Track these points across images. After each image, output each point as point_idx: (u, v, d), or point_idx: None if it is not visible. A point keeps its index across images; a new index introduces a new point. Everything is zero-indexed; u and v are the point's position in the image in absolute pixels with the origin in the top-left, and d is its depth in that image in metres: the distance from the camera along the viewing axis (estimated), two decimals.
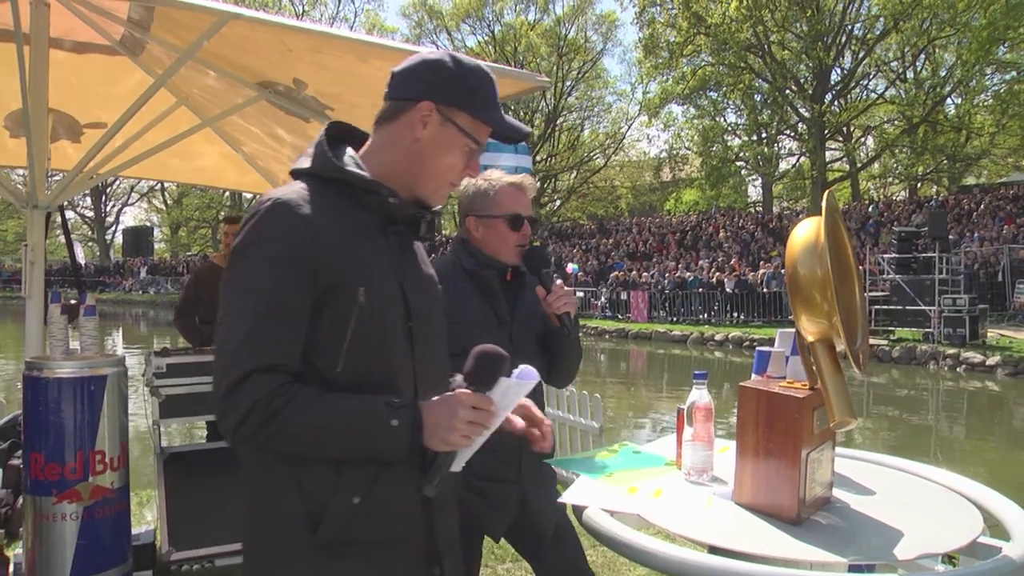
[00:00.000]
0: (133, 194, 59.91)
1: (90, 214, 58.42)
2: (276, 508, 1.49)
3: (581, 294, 26.73)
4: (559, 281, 2.44)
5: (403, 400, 1.47)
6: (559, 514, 2.53)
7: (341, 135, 1.69)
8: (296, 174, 1.61)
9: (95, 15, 3.80)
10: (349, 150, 1.64)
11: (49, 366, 3.51)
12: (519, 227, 2.49)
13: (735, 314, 24.17)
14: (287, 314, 1.45)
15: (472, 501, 2.47)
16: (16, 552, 3.98)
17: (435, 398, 1.49)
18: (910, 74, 36.88)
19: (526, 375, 1.51)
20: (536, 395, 2.60)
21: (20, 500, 4.51)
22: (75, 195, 5.20)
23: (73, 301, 3.98)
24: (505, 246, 2.49)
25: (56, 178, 4.46)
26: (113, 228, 61.37)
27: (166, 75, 3.68)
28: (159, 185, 56.68)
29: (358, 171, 1.57)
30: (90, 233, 59.76)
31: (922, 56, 35.77)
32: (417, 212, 1.62)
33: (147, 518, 5.37)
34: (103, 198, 57.52)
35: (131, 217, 64.22)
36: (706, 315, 24.91)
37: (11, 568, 3.92)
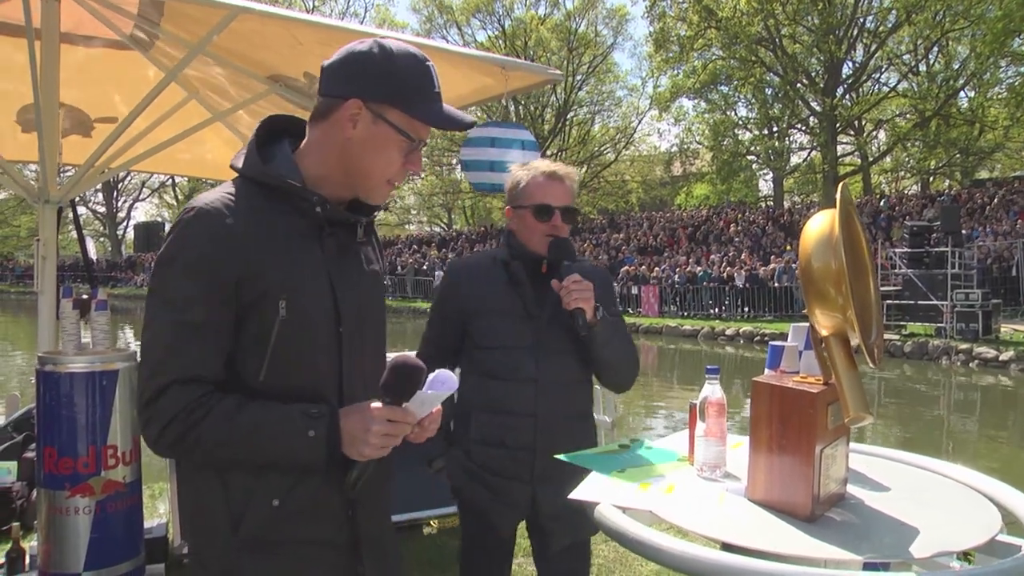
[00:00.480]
0: (144, 190, 60.17)
1: (102, 210, 58.76)
2: (204, 504, 1.54)
3: None
4: (574, 275, 2.36)
5: (321, 410, 1.48)
6: (579, 528, 2.48)
7: (284, 127, 1.64)
8: (234, 170, 1.58)
9: (105, 9, 3.80)
10: (285, 148, 1.60)
11: (61, 361, 3.52)
12: (546, 217, 2.44)
13: (745, 309, 24.09)
14: (208, 326, 1.46)
15: (481, 495, 2.48)
16: (32, 544, 4.01)
17: (352, 407, 1.50)
18: (923, 67, 36.69)
19: (440, 384, 1.49)
20: (583, 389, 2.59)
21: (35, 492, 4.55)
22: (86, 190, 5.21)
23: (84, 296, 3.99)
24: (534, 236, 2.46)
25: (68, 173, 4.48)
26: (124, 224, 61.67)
27: (176, 69, 3.69)
28: (170, 181, 56.94)
29: (287, 175, 1.54)
30: (101, 228, 60.09)
31: (935, 49, 35.56)
32: (349, 217, 1.60)
33: (159, 511, 5.40)
34: (114, 194, 57.80)
35: (142, 212, 64.57)
36: (717, 310, 24.85)
37: (27, 560, 3.95)
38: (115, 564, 3.56)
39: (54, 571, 3.51)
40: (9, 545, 4.01)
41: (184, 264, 1.46)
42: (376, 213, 1.70)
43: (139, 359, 1.49)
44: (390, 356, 1.54)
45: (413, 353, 1.64)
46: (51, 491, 3.50)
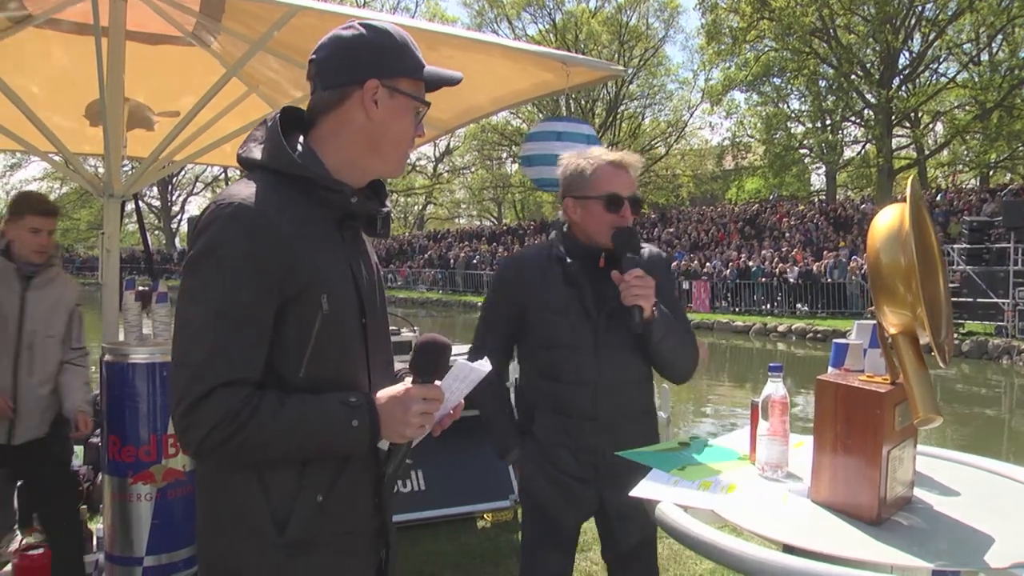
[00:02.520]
0: (198, 184, 61.28)
1: (156, 203, 59.91)
2: (240, 509, 1.51)
3: None
4: (637, 270, 2.28)
5: (359, 399, 1.50)
6: (646, 524, 2.45)
7: (291, 119, 1.63)
8: (247, 163, 1.58)
9: (168, 7, 3.88)
10: (303, 140, 1.60)
11: (125, 351, 3.61)
12: (616, 208, 2.36)
13: (798, 305, 23.70)
14: (251, 325, 1.43)
15: (547, 492, 2.46)
16: (98, 527, 4.13)
17: (386, 393, 1.52)
18: (985, 56, 35.52)
19: (471, 369, 1.54)
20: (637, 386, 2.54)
21: (100, 476, 4.69)
22: (148, 184, 5.33)
23: (142, 288, 4.09)
24: (602, 229, 2.37)
25: (126, 168, 4.58)
26: (178, 217, 62.87)
27: (237, 65, 3.75)
28: (223, 174, 57.87)
29: (318, 168, 1.55)
30: (156, 222, 61.29)
31: (999, 37, 34.34)
32: (374, 209, 1.63)
33: None
34: (169, 188, 58.90)
35: (195, 206, 65.61)
36: (769, 306, 24.50)
37: (94, 541, 4.07)
38: (175, 550, 3.65)
39: (118, 554, 3.61)
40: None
41: (224, 262, 1.43)
42: (388, 206, 1.72)
43: (174, 361, 1.45)
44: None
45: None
46: (115, 478, 3.60)
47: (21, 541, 4.19)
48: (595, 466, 2.41)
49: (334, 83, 1.57)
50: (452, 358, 1.57)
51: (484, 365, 1.55)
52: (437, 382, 1.52)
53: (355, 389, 1.54)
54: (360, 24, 1.60)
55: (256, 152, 1.56)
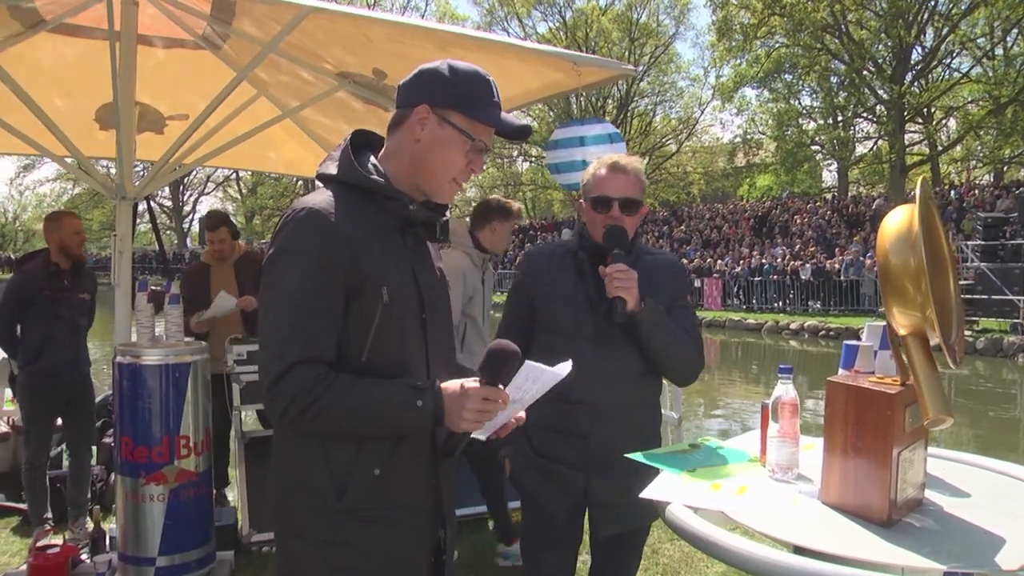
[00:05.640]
0: (209, 184, 61.46)
1: (168, 203, 60.07)
2: (306, 477, 1.68)
3: None
4: (619, 264, 2.40)
5: (425, 383, 1.64)
6: (626, 519, 2.52)
7: (364, 141, 1.83)
8: (323, 178, 1.76)
9: (179, 11, 3.90)
10: (372, 157, 1.78)
11: (137, 353, 3.64)
12: (604, 208, 2.51)
13: (811, 302, 23.59)
14: (323, 311, 1.62)
15: (535, 481, 2.56)
16: (111, 526, 4.16)
17: (452, 385, 1.64)
18: (999, 51, 35.20)
19: (548, 375, 1.61)
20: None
21: (112, 476, 4.73)
22: (160, 186, 5.35)
23: (155, 289, 4.11)
24: (595, 227, 2.53)
25: (138, 170, 4.60)
26: (190, 217, 63.09)
27: (248, 68, 3.76)
28: (234, 175, 58.05)
29: (381, 179, 1.72)
30: (168, 222, 61.48)
31: (1014, 31, 34.00)
32: (432, 216, 1.77)
33: (228, 498, 5.53)
34: (180, 188, 59.07)
35: (207, 206, 65.81)
36: (781, 303, 24.40)
37: (107, 541, 4.10)
38: (187, 550, 3.68)
39: (131, 554, 3.64)
40: (91, 526, 4.17)
41: (299, 258, 1.62)
42: (448, 214, 1.85)
43: (261, 344, 1.64)
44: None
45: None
46: (128, 478, 3.63)
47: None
48: (584, 451, 2.48)
49: (400, 104, 1.76)
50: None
51: (562, 368, 1.62)
52: (502, 386, 1.60)
53: (412, 377, 1.68)
54: (447, 62, 1.75)
55: (331, 168, 1.75)
